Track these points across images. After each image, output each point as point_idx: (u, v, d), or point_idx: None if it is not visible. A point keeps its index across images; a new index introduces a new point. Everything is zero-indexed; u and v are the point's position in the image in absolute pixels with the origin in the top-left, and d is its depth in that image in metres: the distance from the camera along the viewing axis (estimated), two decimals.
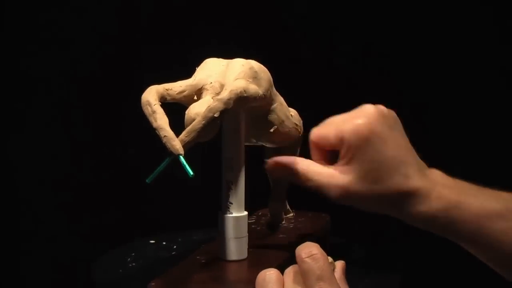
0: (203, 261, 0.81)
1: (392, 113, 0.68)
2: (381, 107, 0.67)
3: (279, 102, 0.86)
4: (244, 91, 0.73)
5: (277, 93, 0.86)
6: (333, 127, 0.68)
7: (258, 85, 0.77)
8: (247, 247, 0.82)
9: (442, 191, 0.65)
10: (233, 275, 0.78)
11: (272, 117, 0.85)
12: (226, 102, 0.70)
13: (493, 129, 1.25)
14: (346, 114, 0.68)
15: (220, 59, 0.80)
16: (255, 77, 0.77)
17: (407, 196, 0.64)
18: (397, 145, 0.65)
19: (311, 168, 0.68)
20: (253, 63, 0.79)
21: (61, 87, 1.23)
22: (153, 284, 0.73)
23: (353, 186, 0.65)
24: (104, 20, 1.23)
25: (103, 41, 1.24)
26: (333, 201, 0.67)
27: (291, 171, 0.69)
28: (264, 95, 0.79)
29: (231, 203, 0.80)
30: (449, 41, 1.26)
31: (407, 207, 0.65)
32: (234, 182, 0.80)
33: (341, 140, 0.66)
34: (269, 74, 0.81)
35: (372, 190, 0.64)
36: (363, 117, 0.65)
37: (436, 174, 0.67)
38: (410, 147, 0.67)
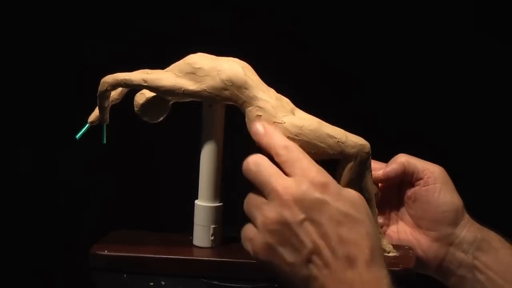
0: (171, 240, 0.87)
1: None
2: None
3: (257, 105, 0.81)
4: (125, 79, 0.81)
5: (261, 98, 0.81)
6: None
7: (194, 80, 0.80)
8: (213, 237, 0.85)
9: None
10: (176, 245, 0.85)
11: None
12: (102, 83, 0.82)
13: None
14: None
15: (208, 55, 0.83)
16: (190, 72, 0.80)
17: None
18: None
19: None
20: (198, 58, 0.81)
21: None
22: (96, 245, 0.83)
23: None
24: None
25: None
26: None
27: None
28: (200, 91, 0.80)
29: (202, 192, 0.86)
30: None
31: None
32: (206, 172, 0.85)
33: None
34: (224, 75, 0.80)
35: None
36: None
37: None
38: None
